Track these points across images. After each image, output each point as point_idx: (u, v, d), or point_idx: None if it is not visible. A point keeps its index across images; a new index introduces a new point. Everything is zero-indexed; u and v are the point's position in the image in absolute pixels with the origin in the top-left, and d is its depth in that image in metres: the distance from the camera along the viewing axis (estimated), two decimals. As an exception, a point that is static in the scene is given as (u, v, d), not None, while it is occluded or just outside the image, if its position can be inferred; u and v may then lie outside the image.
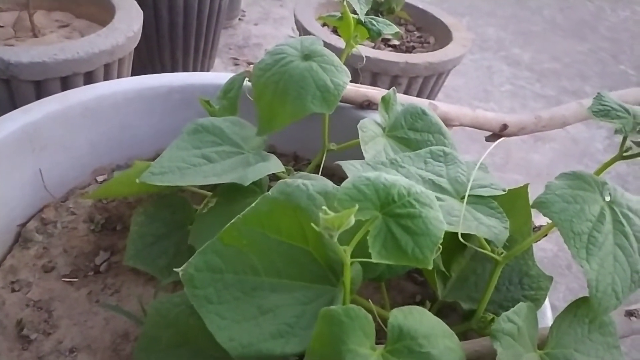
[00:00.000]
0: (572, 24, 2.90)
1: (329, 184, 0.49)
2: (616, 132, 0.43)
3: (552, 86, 2.16)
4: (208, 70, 1.67)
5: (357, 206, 0.36)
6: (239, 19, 2.17)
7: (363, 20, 0.68)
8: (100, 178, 0.81)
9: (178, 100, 0.84)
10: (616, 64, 2.50)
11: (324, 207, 0.38)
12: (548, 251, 1.27)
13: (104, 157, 0.80)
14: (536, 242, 0.52)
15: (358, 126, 0.65)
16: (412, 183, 0.40)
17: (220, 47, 1.77)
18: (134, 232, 0.64)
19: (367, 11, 1.19)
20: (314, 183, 0.48)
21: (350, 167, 0.56)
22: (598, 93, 0.47)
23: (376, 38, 0.72)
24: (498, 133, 0.98)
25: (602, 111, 0.46)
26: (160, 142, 0.83)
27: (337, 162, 0.57)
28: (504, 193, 0.51)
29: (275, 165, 0.60)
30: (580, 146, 1.73)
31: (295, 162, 0.90)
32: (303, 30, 1.09)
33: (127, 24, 0.92)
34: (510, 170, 1.59)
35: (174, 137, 0.88)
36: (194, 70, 1.57)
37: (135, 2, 1.01)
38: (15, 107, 0.85)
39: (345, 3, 0.67)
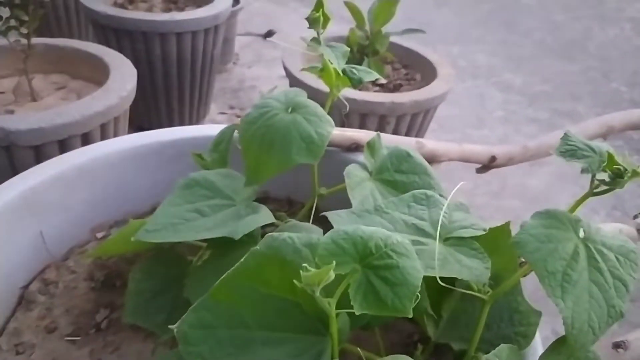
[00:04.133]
0: (561, 45, 2.95)
1: (314, 235, 0.51)
2: (582, 171, 0.44)
3: (545, 109, 2.19)
4: (204, 117, 1.71)
5: (334, 262, 0.38)
6: (233, 63, 2.24)
7: (342, 72, 0.71)
8: (99, 235, 0.82)
9: (171, 154, 0.87)
10: (608, 82, 2.54)
11: (305, 265, 0.39)
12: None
13: (101, 215, 0.82)
14: (524, 276, 0.53)
15: (344, 173, 0.67)
16: (389, 234, 0.42)
17: (216, 91, 1.82)
18: (131, 289, 0.66)
19: (353, 53, 1.23)
20: (300, 236, 0.50)
21: (336, 218, 0.57)
22: (564, 133, 0.50)
23: (357, 86, 0.75)
24: (487, 165, 1.01)
25: (568, 151, 0.48)
26: (156, 196, 0.86)
27: (323, 213, 0.59)
28: (485, 233, 0.53)
29: (265, 217, 0.61)
30: (575, 168, 1.73)
31: (289, 206, 0.91)
32: (291, 77, 1.13)
33: (121, 83, 0.96)
34: (507, 197, 1.60)
35: (168, 191, 0.90)
36: (191, 117, 1.61)
37: (129, 61, 1.05)
38: (15, 172, 0.88)
39: (320, 50, 0.70)
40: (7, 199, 0.69)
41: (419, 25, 1.18)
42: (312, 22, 0.69)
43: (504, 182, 1.66)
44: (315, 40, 0.70)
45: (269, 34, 2.55)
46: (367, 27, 1.19)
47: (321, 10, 0.69)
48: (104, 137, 0.94)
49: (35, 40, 1.00)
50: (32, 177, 0.73)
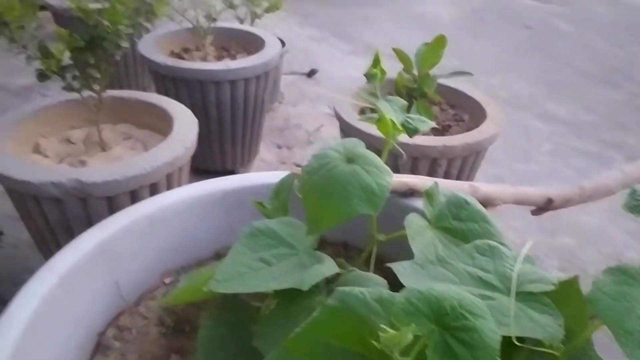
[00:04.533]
0: (604, 72, 2.90)
1: (384, 290, 0.52)
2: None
3: (593, 140, 2.15)
4: (255, 156, 1.77)
5: (413, 325, 0.39)
6: (279, 102, 2.31)
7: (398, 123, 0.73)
8: (167, 280, 0.86)
9: (232, 201, 0.91)
10: (656, 110, 2.47)
11: (382, 326, 0.41)
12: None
13: (169, 261, 0.86)
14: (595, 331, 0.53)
15: (405, 223, 0.69)
16: (463, 293, 0.43)
17: (263, 130, 1.88)
18: (202, 336, 0.68)
19: (401, 95, 1.26)
20: (371, 291, 0.51)
21: (401, 270, 0.59)
22: (632, 189, 0.50)
23: (413, 135, 0.77)
24: (543, 207, 1.00)
25: (637, 207, 0.48)
26: (218, 241, 0.90)
27: (387, 264, 0.61)
28: (554, 287, 0.53)
29: (329, 268, 0.63)
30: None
31: (346, 250, 0.93)
32: (345, 124, 1.17)
33: (184, 134, 1.01)
34: (561, 234, 1.57)
35: (230, 237, 0.94)
36: (242, 157, 1.67)
37: (189, 111, 1.11)
38: (89, 221, 0.94)
39: (378, 104, 0.73)
40: (86, 250, 0.74)
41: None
42: (370, 77, 0.72)
43: (557, 219, 1.63)
44: (373, 94, 0.73)
45: (312, 72, 2.62)
46: (415, 70, 1.22)
47: (378, 66, 0.72)
48: (169, 185, 0.99)
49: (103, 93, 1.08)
50: (108, 228, 0.78)
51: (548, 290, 0.53)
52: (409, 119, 0.80)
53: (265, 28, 2.01)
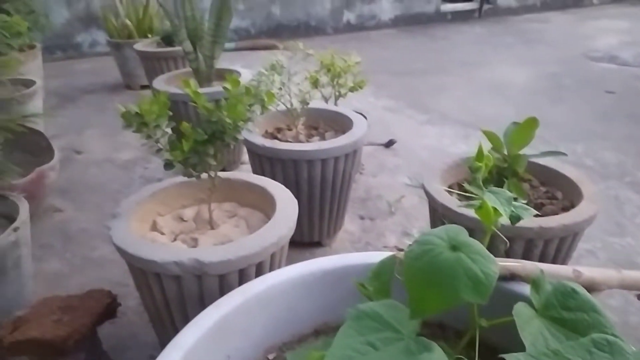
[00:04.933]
0: (696, 139, 2.75)
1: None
2: None
3: (693, 211, 2.03)
4: (340, 228, 1.82)
5: None
6: (360, 173, 2.38)
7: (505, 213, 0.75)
8: (270, 356, 0.91)
9: (332, 281, 0.96)
10: None
11: None
12: None
13: (273, 337, 0.91)
14: None
15: (513, 313, 0.70)
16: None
17: (346, 202, 1.95)
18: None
19: (491, 174, 1.27)
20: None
21: (517, 364, 0.60)
22: None
23: (516, 223, 0.79)
24: (650, 292, 0.96)
25: None
26: (318, 319, 0.94)
27: (501, 355, 0.62)
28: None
29: (438, 357, 0.65)
30: None
31: (442, 331, 0.94)
32: (433, 201, 1.20)
33: (287, 214, 1.09)
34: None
35: (329, 314, 0.99)
36: (328, 230, 1.73)
37: (289, 191, 1.20)
38: (201, 296, 1.02)
39: (484, 197, 0.77)
40: (206, 327, 0.81)
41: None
42: (474, 170, 0.76)
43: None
44: (477, 184, 0.77)
45: (390, 143, 2.70)
46: (504, 150, 1.24)
47: (483, 160, 0.76)
48: (272, 262, 1.06)
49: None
50: (224, 306, 0.85)
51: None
52: (512, 208, 0.82)
53: (344, 101, 2.13)
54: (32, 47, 3.32)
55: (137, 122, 0.92)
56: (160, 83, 2.32)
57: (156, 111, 0.92)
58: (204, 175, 1.10)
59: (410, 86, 3.86)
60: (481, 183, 0.78)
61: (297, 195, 1.50)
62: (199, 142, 0.98)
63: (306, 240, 1.72)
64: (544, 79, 3.95)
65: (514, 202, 0.82)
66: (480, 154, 0.77)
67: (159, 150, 0.98)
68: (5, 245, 1.17)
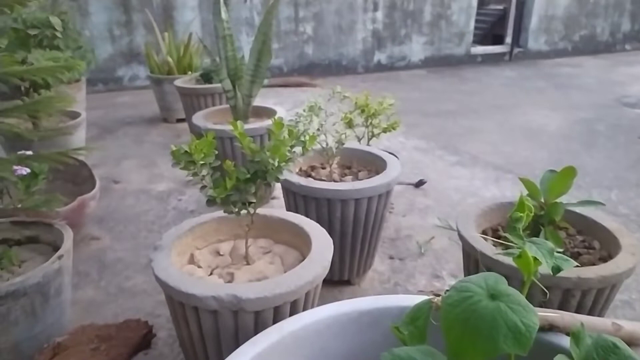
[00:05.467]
0: None
1: None
2: None
3: None
4: (370, 267, 1.83)
5: None
6: (389, 212, 2.39)
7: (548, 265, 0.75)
8: (305, 395, 0.91)
9: (367, 322, 0.96)
10: None
11: None
12: None
13: (308, 375, 0.91)
14: None
15: (557, 368, 0.69)
16: None
17: (376, 242, 1.95)
18: None
19: (528, 224, 1.27)
20: None
21: None
22: None
23: (556, 274, 0.79)
24: (694, 348, 0.94)
25: None
26: (350, 358, 0.94)
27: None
28: None
29: (478, 407, 0.65)
30: None
31: (479, 380, 0.92)
32: (468, 246, 1.20)
33: (322, 254, 1.11)
34: None
35: (362, 356, 0.99)
36: (359, 268, 1.73)
37: (324, 230, 1.22)
38: (236, 331, 1.03)
39: (526, 248, 0.77)
40: (243, 364, 0.81)
41: None
42: (515, 221, 0.77)
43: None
44: (517, 234, 0.78)
45: (420, 183, 2.71)
46: (541, 198, 1.24)
47: (525, 211, 0.77)
48: (307, 300, 1.07)
49: (247, 210, 1.22)
50: (259, 344, 0.86)
51: None
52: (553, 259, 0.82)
53: (374, 140, 2.16)
54: (77, 80, 3.49)
55: (185, 160, 0.97)
56: (199, 119, 2.41)
57: (204, 150, 0.96)
58: (243, 212, 1.13)
59: (441, 127, 3.88)
60: (522, 233, 0.79)
61: (329, 234, 1.52)
62: (241, 180, 1.02)
63: (336, 278, 1.72)
64: (576, 124, 3.92)
65: (556, 254, 0.82)
66: (521, 205, 0.78)
67: (204, 187, 1.03)
68: (50, 272, 1.22)
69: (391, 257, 2.00)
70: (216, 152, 1.02)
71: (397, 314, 0.91)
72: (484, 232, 1.34)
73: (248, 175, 1.02)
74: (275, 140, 1.01)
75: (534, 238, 0.79)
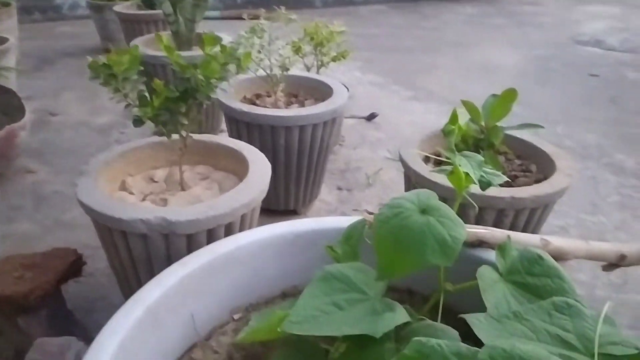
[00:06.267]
0: (677, 125, 2.78)
1: (462, 344, 0.53)
2: None
3: (666, 194, 2.06)
4: (316, 197, 1.81)
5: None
6: (339, 145, 2.36)
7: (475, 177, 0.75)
8: (236, 316, 0.90)
9: (302, 244, 0.95)
10: None
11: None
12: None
13: (239, 298, 0.90)
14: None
15: (477, 275, 0.70)
16: (547, 354, 0.44)
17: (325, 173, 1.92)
18: (273, 375, 0.71)
19: (468, 145, 1.27)
20: (448, 343, 0.52)
21: (476, 322, 0.60)
22: None
23: (486, 189, 0.78)
24: (615, 263, 0.97)
25: None
26: (286, 281, 0.94)
27: (461, 315, 0.62)
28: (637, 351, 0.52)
29: (402, 316, 0.65)
30: None
31: (410, 297, 0.94)
32: (407, 168, 1.19)
33: (260, 177, 1.07)
34: (631, 291, 1.50)
35: (297, 277, 0.98)
36: (304, 198, 1.72)
37: (263, 155, 1.18)
38: (168, 256, 1.00)
39: (456, 161, 0.76)
40: (170, 284, 0.79)
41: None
42: (447, 133, 0.75)
43: (626, 274, 1.56)
44: (450, 148, 0.76)
45: (372, 116, 2.68)
46: (482, 122, 1.23)
47: (457, 123, 0.75)
48: (242, 224, 1.04)
49: (185, 136, 1.16)
50: (190, 264, 0.83)
51: (631, 354, 0.52)
52: (483, 174, 0.81)
53: (329, 73, 2.09)
54: (6, 4, 3.20)
55: (105, 73, 0.89)
56: (138, 44, 2.26)
57: (126, 63, 0.89)
58: (176, 136, 1.07)
59: (398, 63, 3.82)
60: (454, 147, 0.77)
61: (273, 162, 1.48)
62: (170, 99, 0.95)
63: (282, 208, 1.70)
64: (532, 62, 3.94)
65: (484, 168, 0.81)
66: (454, 118, 0.76)
67: (128, 105, 0.95)
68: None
69: (339, 188, 2.00)
70: (145, 78, 0.94)
71: (334, 235, 0.89)
72: (427, 157, 1.33)
73: (177, 93, 0.95)
74: (207, 55, 0.94)
75: (466, 152, 0.77)
